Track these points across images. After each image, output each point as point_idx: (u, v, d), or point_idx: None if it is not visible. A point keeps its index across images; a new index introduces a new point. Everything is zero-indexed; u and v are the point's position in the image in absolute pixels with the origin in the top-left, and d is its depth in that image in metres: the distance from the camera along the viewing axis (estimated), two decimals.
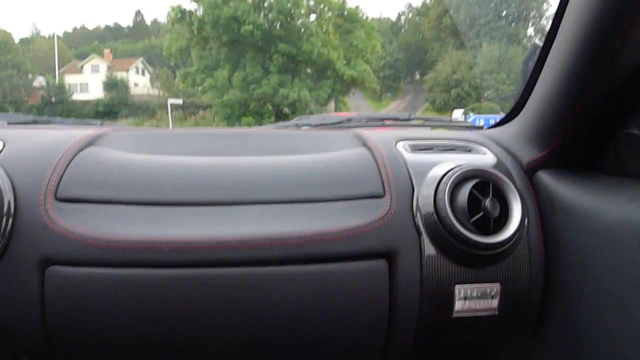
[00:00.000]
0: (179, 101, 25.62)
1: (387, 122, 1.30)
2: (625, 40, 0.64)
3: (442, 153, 0.92)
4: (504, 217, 0.79)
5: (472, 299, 0.78)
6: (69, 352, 0.73)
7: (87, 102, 29.47)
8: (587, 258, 0.74)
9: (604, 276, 0.70)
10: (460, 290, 0.77)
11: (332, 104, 27.95)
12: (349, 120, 1.29)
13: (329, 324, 0.76)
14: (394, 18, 57.52)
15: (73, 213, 0.72)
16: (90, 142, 0.88)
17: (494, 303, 0.78)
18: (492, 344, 0.87)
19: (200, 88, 25.65)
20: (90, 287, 0.69)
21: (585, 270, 0.74)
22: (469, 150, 0.95)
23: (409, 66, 49.03)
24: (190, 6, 24.39)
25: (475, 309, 0.78)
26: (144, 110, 28.51)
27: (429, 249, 0.78)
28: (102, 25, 60.65)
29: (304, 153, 0.93)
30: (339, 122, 1.26)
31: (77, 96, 30.80)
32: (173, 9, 24.41)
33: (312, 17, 25.57)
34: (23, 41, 40.65)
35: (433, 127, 1.32)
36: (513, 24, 39.86)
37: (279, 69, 23.83)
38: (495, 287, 0.78)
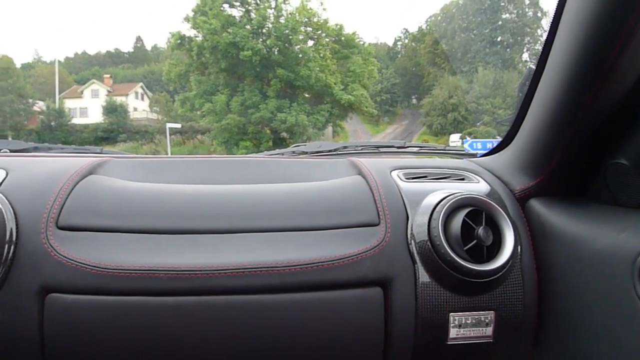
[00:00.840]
0: (178, 125, 25.76)
1: (382, 150, 1.33)
2: (611, 74, 0.66)
3: (436, 181, 0.94)
4: (497, 245, 0.80)
5: (467, 326, 0.78)
6: None
7: (86, 127, 29.53)
8: (579, 285, 0.74)
9: (595, 303, 0.71)
10: (454, 318, 0.78)
11: (330, 129, 28.13)
12: (345, 147, 1.32)
13: (325, 352, 0.76)
14: (390, 43, 58.38)
15: (74, 241, 0.73)
16: (91, 171, 0.89)
17: (489, 331, 0.79)
18: None
19: (198, 113, 25.82)
20: (89, 315, 0.70)
21: (577, 297, 0.75)
22: (463, 179, 0.96)
23: (406, 91, 49.53)
24: (190, 32, 24.76)
25: (470, 337, 0.78)
26: (143, 135, 28.61)
27: (424, 276, 0.78)
28: (103, 51, 61.52)
29: (300, 181, 0.95)
30: (334, 150, 1.29)
31: (77, 120, 30.92)
32: (173, 35, 24.79)
33: (310, 43, 26.00)
34: (25, 66, 41.08)
35: (427, 154, 1.34)
36: (508, 50, 40.52)
37: (277, 94, 24.01)
38: (489, 315, 0.79)
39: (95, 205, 0.79)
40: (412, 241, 0.80)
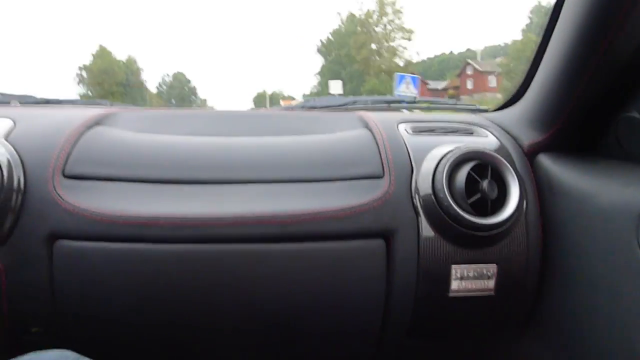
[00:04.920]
0: None
1: (392, 105, 1.29)
2: (624, 24, 0.63)
3: (444, 135, 0.90)
4: (502, 199, 0.77)
5: (469, 279, 0.77)
6: (76, 324, 0.74)
7: None
8: (583, 241, 0.73)
9: (598, 259, 0.70)
10: (456, 270, 0.77)
11: None
12: (355, 102, 1.27)
13: (327, 302, 0.75)
14: None
15: (80, 189, 0.73)
16: (98, 122, 0.88)
17: (491, 284, 0.77)
18: (488, 325, 0.85)
19: None
20: (95, 261, 0.71)
21: (581, 253, 0.73)
22: (471, 133, 0.93)
23: None
24: None
25: (472, 289, 0.77)
26: None
27: (427, 229, 0.77)
28: None
29: (307, 134, 0.92)
30: (344, 104, 1.25)
31: None
32: None
33: None
34: None
35: (438, 109, 1.30)
36: None
37: None
38: (491, 268, 0.77)
39: (101, 155, 0.78)
40: (416, 194, 0.78)
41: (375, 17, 35.18)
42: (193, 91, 50.15)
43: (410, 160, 0.81)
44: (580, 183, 0.75)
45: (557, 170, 0.80)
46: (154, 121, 0.95)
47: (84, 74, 40.00)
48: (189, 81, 50.37)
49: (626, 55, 0.67)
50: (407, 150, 0.83)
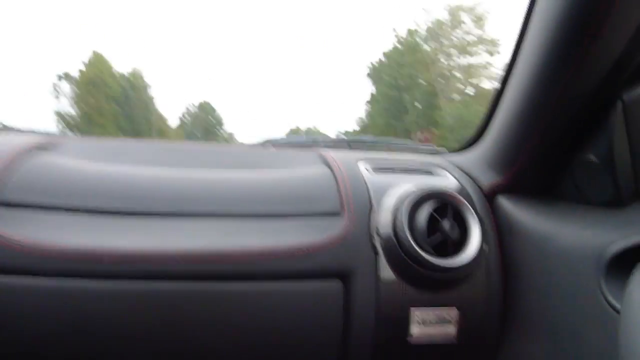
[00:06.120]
0: None
1: (353, 145, 1.27)
2: (580, 69, 0.65)
3: (404, 174, 0.90)
4: (462, 240, 0.76)
5: (430, 324, 0.75)
6: None
7: None
8: (544, 283, 0.73)
9: (559, 301, 0.70)
10: (416, 313, 0.75)
11: None
12: (315, 141, 1.26)
13: (279, 345, 0.72)
14: None
15: (9, 218, 0.68)
16: (38, 147, 0.83)
17: (451, 328, 0.76)
18: None
19: None
20: (23, 298, 0.64)
21: (542, 295, 0.74)
22: (430, 173, 0.93)
23: None
24: None
25: (432, 334, 0.75)
26: None
27: (386, 270, 0.75)
28: None
29: (265, 169, 0.91)
30: (305, 143, 1.27)
31: None
32: None
33: None
34: None
35: (398, 150, 1.26)
36: None
37: None
38: (452, 312, 0.76)
39: (37, 182, 0.73)
40: (375, 233, 0.76)
41: (447, 27, 25.70)
42: (219, 122, 43.42)
43: (370, 199, 0.80)
44: (539, 225, 0.75)
45: (517, 212, 0.81)
46: (103, 152, 0.89)
47: (67, 85, 28.81)
48: (214, 110, 43.66)
49: (581, 100, 0.68)
50: (367, 188, 0.82)
